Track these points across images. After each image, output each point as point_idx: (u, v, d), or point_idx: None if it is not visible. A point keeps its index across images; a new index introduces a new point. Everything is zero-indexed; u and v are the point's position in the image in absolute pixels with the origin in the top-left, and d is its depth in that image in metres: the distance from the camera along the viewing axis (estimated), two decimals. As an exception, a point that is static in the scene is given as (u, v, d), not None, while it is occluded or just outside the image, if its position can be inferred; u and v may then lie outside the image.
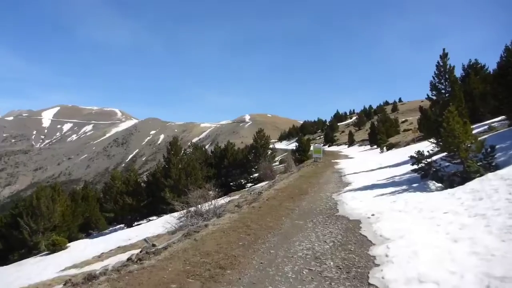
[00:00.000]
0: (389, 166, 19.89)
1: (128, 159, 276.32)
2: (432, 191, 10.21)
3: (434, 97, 18.25)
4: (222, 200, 18.25)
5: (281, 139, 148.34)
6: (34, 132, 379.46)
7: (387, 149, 37.08)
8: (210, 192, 15.63)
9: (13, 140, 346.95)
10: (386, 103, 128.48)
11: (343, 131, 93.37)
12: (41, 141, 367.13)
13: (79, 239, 26.71)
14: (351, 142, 63.24)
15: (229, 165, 37.31)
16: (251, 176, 37.56)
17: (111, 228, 30.99)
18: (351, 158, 36.12)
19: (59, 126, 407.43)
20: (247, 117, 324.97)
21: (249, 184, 35.73)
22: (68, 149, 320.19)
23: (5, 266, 19.72)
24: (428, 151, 12.63)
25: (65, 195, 29.99)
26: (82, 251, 18.88)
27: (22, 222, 23.33)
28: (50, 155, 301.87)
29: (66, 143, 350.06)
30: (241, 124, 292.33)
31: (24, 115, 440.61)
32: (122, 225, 29.93)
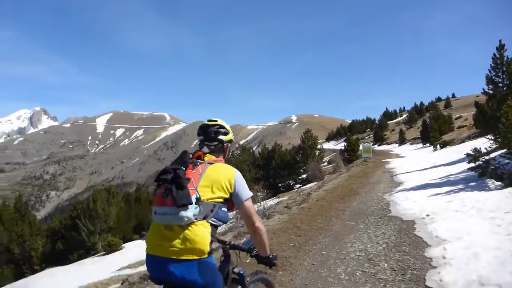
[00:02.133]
0: (444, 165, 19.22)
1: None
2: (491, 190, 9.76)
3: (490, 91, 17.45)
4: (271, 201, 18.33)
5: (328, 139, 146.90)
6: (89, 138, 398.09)
7: (441, 147, 35.86)
8: (259, 194, 15.73)
9: (70, 146, 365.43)
10: (439, 99, 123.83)
11: (393, 130, 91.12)
12: (96, 146, 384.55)
13: (133, 240, 27.68)
14: (402, 141, 61.63)
15: (277, 166, 37.41)
16: (299, 177, 37.47)
17: (163, 230, 31.87)
18: (402, 157, 35.15)
19: (112, 132, 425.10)
20: (294, 118, 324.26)
21: (298, 185, 35.67)
22: (121, 153, 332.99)
23: (65, 266, 20.77)
24: (485, 148, 12.09)
25: (119, 197, 31.16)
26: (136, 252, 19.55)
27: (80, 224, 24.51)
28: (104, 160, 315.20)
29: (119, 148, 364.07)
30: (287, 125, 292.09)
31: (80, 121, 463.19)
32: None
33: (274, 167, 37.40)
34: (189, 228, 2.20)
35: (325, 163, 44.42)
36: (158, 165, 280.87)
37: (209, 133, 2.73)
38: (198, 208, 2.23)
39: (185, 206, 2.15)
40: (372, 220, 8.75)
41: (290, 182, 37.38)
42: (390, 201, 11.13)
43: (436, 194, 10.74)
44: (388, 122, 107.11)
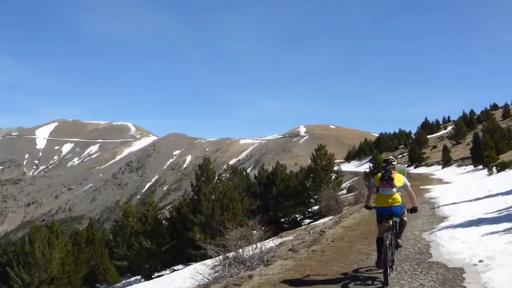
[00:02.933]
0: (502, 194, 19.30)
1: (145, 188, 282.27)
2: None
3: None
4: (271, 242, 18.28)
5: (348, 158, 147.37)
6: (26, 156, 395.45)
7: (498, 170, 36.01)
8: (255, 232, 15.68)
9: (0, 167, 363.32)
10: (495, 106, 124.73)
11: (434, 147, 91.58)
12: (34, 167, 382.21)
13: (84, 295, 27.43)
14: (446, 161, 61.90)
15: (279, 195, 37.39)
16: (310, 210, 37.44)
17: (124, 281, 31.69)
18: (447, 183, 35.25)
19: (57, 147, 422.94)
20: (302, 130, 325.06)
21: (307, 220, 35.62)
22: (68, 176, 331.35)
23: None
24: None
25: (65, 237, 30.91)
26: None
27: (12, 274, 24.21)
28: (45, 185, 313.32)
29: (66, 169, 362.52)
30: (294, 140, 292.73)
31: (13, 134, 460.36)
32: (138, 277, 30.55)
33: (275, 196, 37.37)
34: (395, 195, 8.25)
35: (344, 191, 44.38)
36: (119, 193, 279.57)
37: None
38: (395, 188, 8.26)
39: (393, 187, 8.26)
40: (407, 268, 8.75)
41: (297, 216, 37.34)
42: (431, 241, 11.13)
43: (492, 233, 10.76)
44: (428, 136, 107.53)
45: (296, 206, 36.98)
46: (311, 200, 36.85)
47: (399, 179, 8.40)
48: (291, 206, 36.92)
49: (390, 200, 8.28)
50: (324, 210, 30.53)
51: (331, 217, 25.65)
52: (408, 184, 8.67)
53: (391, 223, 8.19)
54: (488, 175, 35.95)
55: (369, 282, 7.97)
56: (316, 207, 35.79)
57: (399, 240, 8.68)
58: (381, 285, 7.60)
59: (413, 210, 8.78)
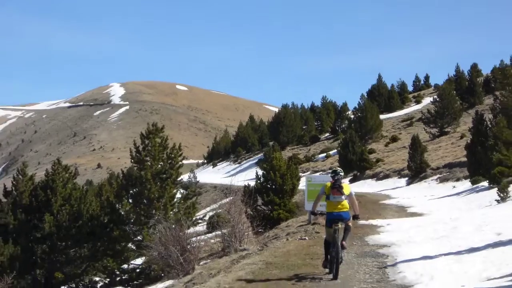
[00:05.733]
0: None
1: None
2: None
3: None
4: None
5: (214, 156, 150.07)
6: None
7: (517, 192, 36.77)
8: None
9: None
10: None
11: (394, 139, 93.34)
12: None
13: None
14: (417, 171, 63.09)
15: (59, 234, 36.61)
16: (124, 266, 36.98)
17: None
18: (414, 214, 36.26)
19: None
20: (118, 92, 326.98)
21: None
22: None
23: None
24: None
25: None
26: None
27: None
28: None
29: None
30: (98, 113, 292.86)
31: None
32: None
33: (49, 236, 36.64)
34: (344, 202, 21.70)
35: (202, 227, 44.47)
36: None
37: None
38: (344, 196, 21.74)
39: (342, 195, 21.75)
40: None
41: (97, 279, 36.97)
42: None
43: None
44: (382, 116, 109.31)
45: (95, 257, 36.44)
46: (129, 245, 36.46)
47: (346, 188, 17.78)
48: (83, 258, 36.37)
49: (339, 206, 17.33)
50: (155, 267, 30.28)
51: (169, 282, 25.51)
52: (353, 192, 18.21)
53: (339, 225, 16.97)
54: (498, 201, 36.63)
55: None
56: (138, 261, 35.54)
57: (344, 242, 17.39)
58: (332, 277, 16.45)
59: (355, 217, 18.24)
